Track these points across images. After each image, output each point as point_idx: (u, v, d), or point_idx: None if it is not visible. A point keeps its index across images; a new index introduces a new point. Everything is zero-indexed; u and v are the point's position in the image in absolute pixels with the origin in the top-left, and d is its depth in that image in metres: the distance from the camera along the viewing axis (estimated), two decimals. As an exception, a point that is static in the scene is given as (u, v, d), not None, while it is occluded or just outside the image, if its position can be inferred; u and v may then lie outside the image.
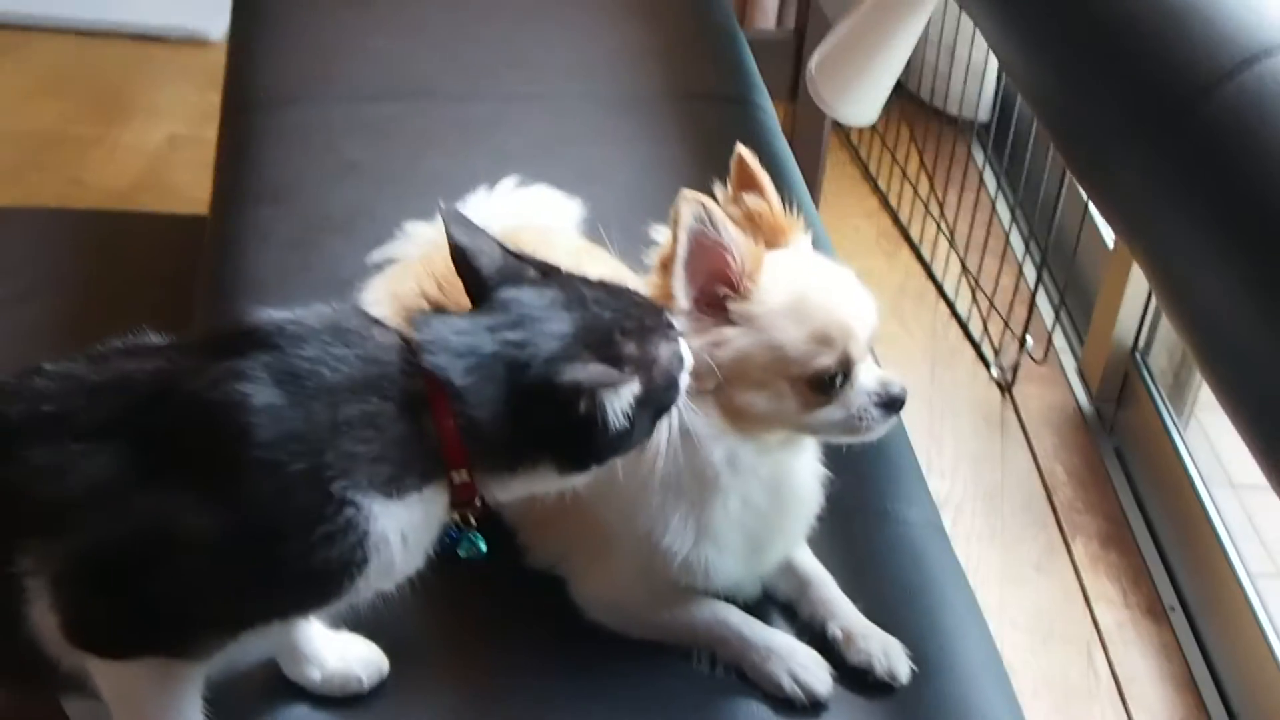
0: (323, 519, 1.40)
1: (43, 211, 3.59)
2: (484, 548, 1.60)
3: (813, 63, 2.28)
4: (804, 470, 1.79)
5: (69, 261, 3.32)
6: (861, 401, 1.66)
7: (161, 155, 3.88)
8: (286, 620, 1.56)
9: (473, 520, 1.55)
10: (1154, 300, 3.05)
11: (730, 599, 1.78)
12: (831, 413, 1.66)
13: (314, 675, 1.69)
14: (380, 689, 1.70)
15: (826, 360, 1.63)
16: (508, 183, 2.30)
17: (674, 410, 1.58)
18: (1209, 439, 3.04)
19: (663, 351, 1.53)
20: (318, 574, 1.43)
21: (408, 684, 1.71)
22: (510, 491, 1.55)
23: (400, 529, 1.46)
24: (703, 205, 1.60)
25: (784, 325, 1.63)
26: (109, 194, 3.73)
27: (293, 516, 1.40)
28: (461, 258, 1.54)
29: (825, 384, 1.64)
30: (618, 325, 1.51)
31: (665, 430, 1.59)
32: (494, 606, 1.80)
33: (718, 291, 1.63)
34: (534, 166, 2.37)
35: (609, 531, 1.74)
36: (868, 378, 1.67)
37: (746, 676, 1.73)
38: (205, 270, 2.42)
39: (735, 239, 1.62)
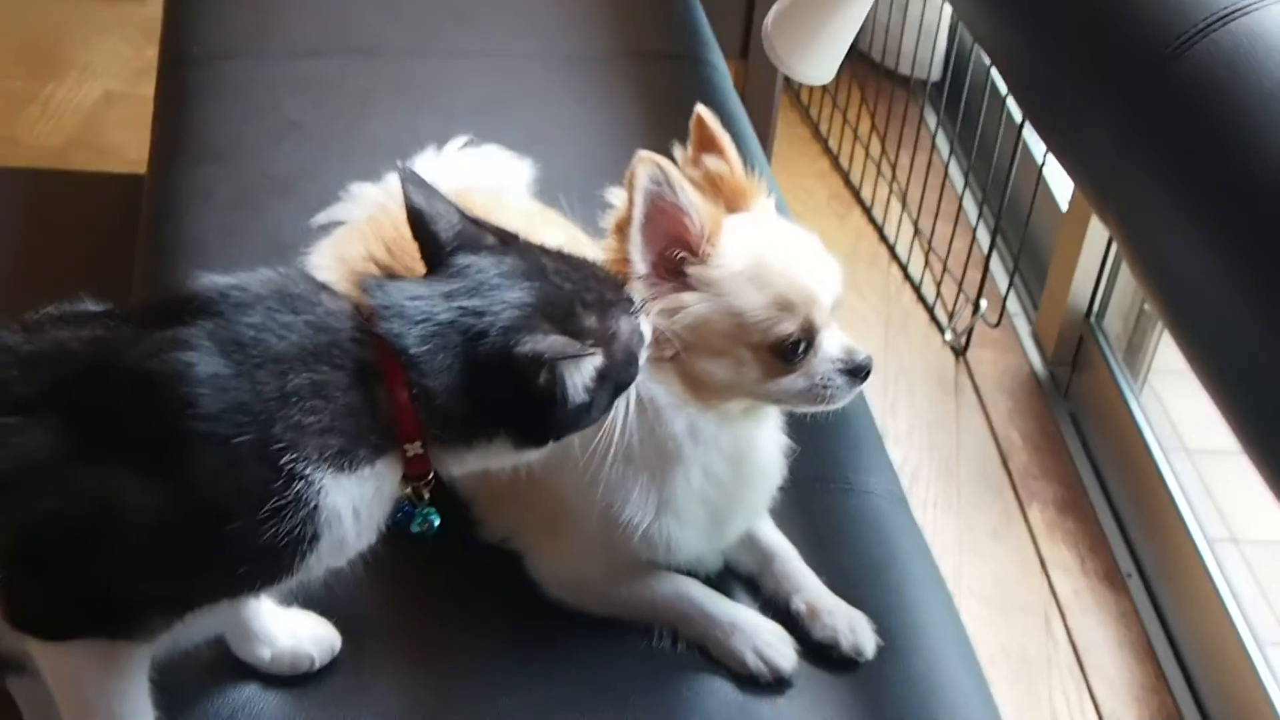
0: (271, 494, 1.34)
1: (-32, 169, 3.51)
2: (437, 522, 1.53)
3: (768, 20, 2.21)
4: (766, 441, 1.74)
5: (1, 222, 3.24)
6: (825, 369, 1.61)
7: (97, 113, 3.80)
8: (235, 599, 1.50)
9: (426, 495, 1.49)
10: (1109, 264, 3.03)
11: (692, 573, 1.73)
12: (795, 381, 1.61)
13: (264, 654, 1.64)
14: (332, 667, 1.65)
15: (788, 327, 1.58)
16: (456, 143, 2.24)
17: (632, 387, 1.52)
18: (1163, 405, 3.02)
19: (623, 326, 1.48)
20: (266, 551, 1.37)
21: (360, 662, 1.66)
22: (465, 466, 1.49)
23: (352, 504, 1.40)
24: (659, 166, 1.55)
25: (744, 291, 1.57)
26: (43, 152, 3.66)
27: (239, 492, 1.34)
28: (418, 221, 1.48)
29: (788, 351, 1.59)
30: (578, 297, 1.46)
31: (623, 407, 1.53)
32: (449, 582, 1.75)
33: (676, 256, 1.58)
34: (482, 126, 2.31)
35: (567, 505, 1.69)
36: (832, 345, 1.62)
37: (710, 653, 1.69)
38: (144, 232, 2.35)
39: (693, 201, 1.57)
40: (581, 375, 1.41)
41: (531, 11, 2.84)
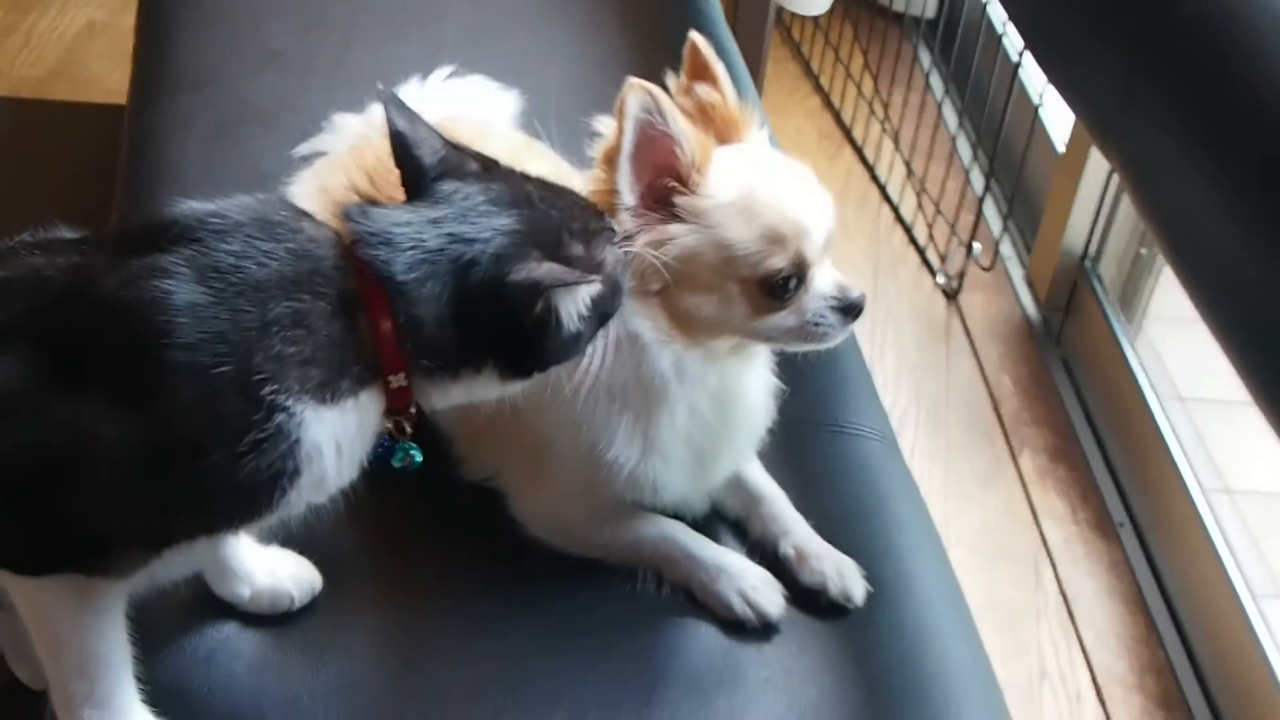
0: (251, 426, 1.29)
1: (-48, 99, 3.46)
2: (419, 458, 1.49)
3: (765, -51, 2.16)
4: (755, 381, 1.70)
5: (-21, 151, 3.20)
6: (817, 306, 1.57)
7: (78, 43, 3.76)
8: (213, 536, 1.46)
9: (408, 429, 1.45)
10: (1104, 208, 2.99)
11: (678, 516, 1.70)
12: (785, 318, 1.57)
13: (243, 592, 1.61)
14: (310, 607, 1.62)
15: (778, 261, 1.53)
16: (440, 73, 2.20)
17: (614, 319, 1.48)
18: (1158, 352, 2.98)
19: (609, 255, 1.44)
20: (246, 486, 1.32)
21: (338, 602, 1.63)
22: (449, 398, 1.44)
23: (334, 437, 1.36)
24: (650, 94, 1.49)
25: (734, 223, 1.52)
26: (24, 82, 3.61)
27: (218, 424, 1.29)
28: (401, 145, 1.43)
29: (778, 287, 1.54)
30: (565, 225, 1.42)
31: (602, 340, 1.50)
32: (429, 522, 1.72)
33: (665, 186, 1.53)
34: (467, 56, 2.27)
35: (551, 444, 1.64)
36: (824, 281, 1.57)
37: (695, 597, 1.65)
38: (124, 161, 2.31)
39: (684, 130, 1.52)
40: (576, 304, 1.37)
41: (518, -60, 2.78)
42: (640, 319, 1.55)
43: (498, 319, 1.36)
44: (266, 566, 1.62)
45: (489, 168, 1.46)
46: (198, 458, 1.30)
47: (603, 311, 1.44)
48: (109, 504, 1.33)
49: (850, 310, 1.58)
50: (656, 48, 2.51)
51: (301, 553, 1.64)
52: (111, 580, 1.41)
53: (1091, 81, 1.73)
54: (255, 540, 1.61)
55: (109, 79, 3.58)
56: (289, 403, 1.31)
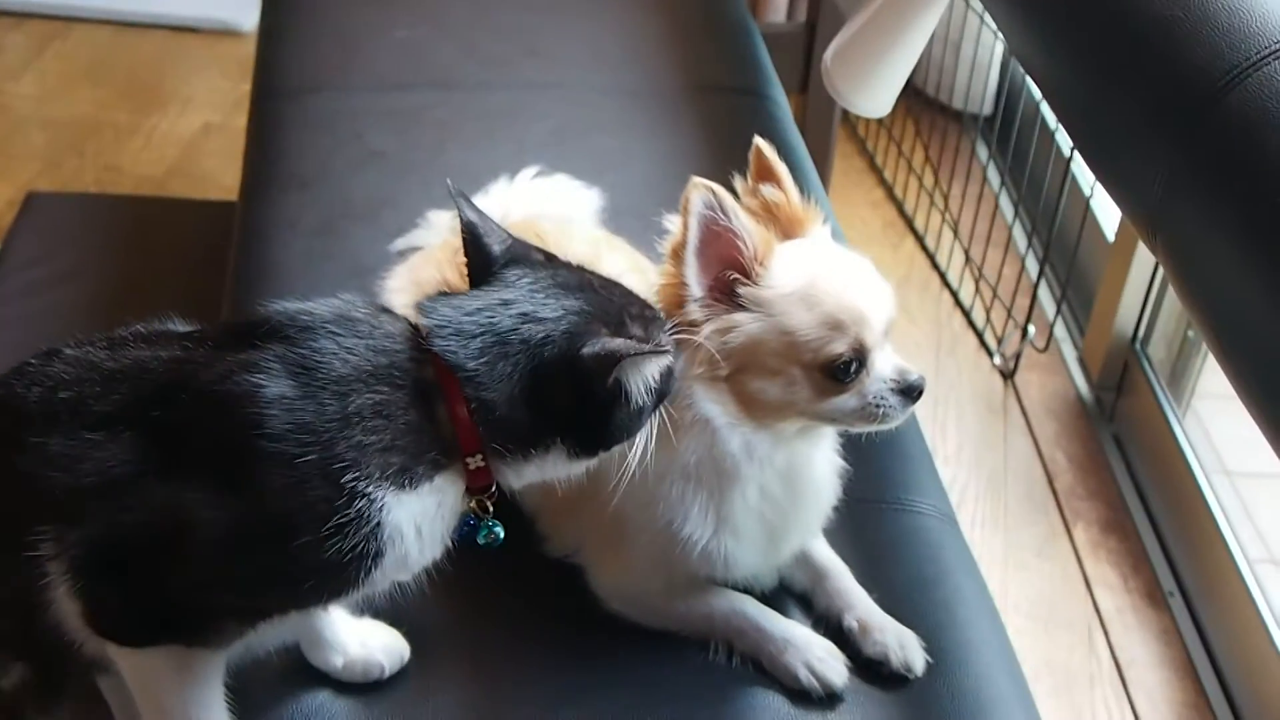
0: (335, 511, 1.31)
1: (81, 196, 3.52)
2: (501, 534, 1.49)
3: (828, 54, 2.16)
4: (821, 461, 1.69)
5: (105, 245, 3.24)
6: (878, 389, 1.56)
7: (195, 143, 3.80)
8: (303, 611, 1.47)
9: (490, 507, 1.45)
10: (1154, 293, 2.96)
11: (747, 590, 1.68)
12: (847, 400, 1.56)
13: (336, 661, 1.62)
14: (399, 676, 1.62)
15: (839, 346, 1.53)
16: (528, 172, 2.21)
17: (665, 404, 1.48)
18: (1205, 428, 2.94)
19: (665, 339, 1.45)
20: (332, 566, 1.33)
21: (425, 671, 1.63)
22: (523, 477, 1.45)
23: (414, 520, 1.37)
24: (712, 191, 1.51)
25: (795, 311, 1.53)
26: (144, 180, 3.66)
27: (305, 509, 1.31)
28: (472, 234, 1.46)
29: (839, 371, 1.54)
30: (625, 309, 1.43)
31: (656, 420, 1.49)
32: (513, 595, 1.72)
33: (729, 278, 1.53)
34: (551, 156, 2.29)
35: (629, 522, 1.64)
36: (884, 365, 1.57)
37: (763, 668, 1.64)
38: (234, 255, 2.33)
39: (746, 225, 1.52)
40: (646, 377, 1.38)
41: (599, 47, 2.80)
42: (710, 403, 1.55)
43: (569, 393, 1.37)
44: (359, 637, 1.62)
45: (550, 258, 1.48)
46: (286, 539, 1.31)
47: (661, 390, 1.44)
48: (206, 581, 1.35)
49: (910, 392, 1.58)
50: (731, 149, 2.50)
51: (392, 624, 1.64)
52: (210, 650, 1.42)
53: (1136, 174, 1.71)
54: (347, 612, 1.61)
55: (223, 177, 3.63)
56: (370, 489, 1.32)
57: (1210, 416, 2.96)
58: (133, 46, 4.16)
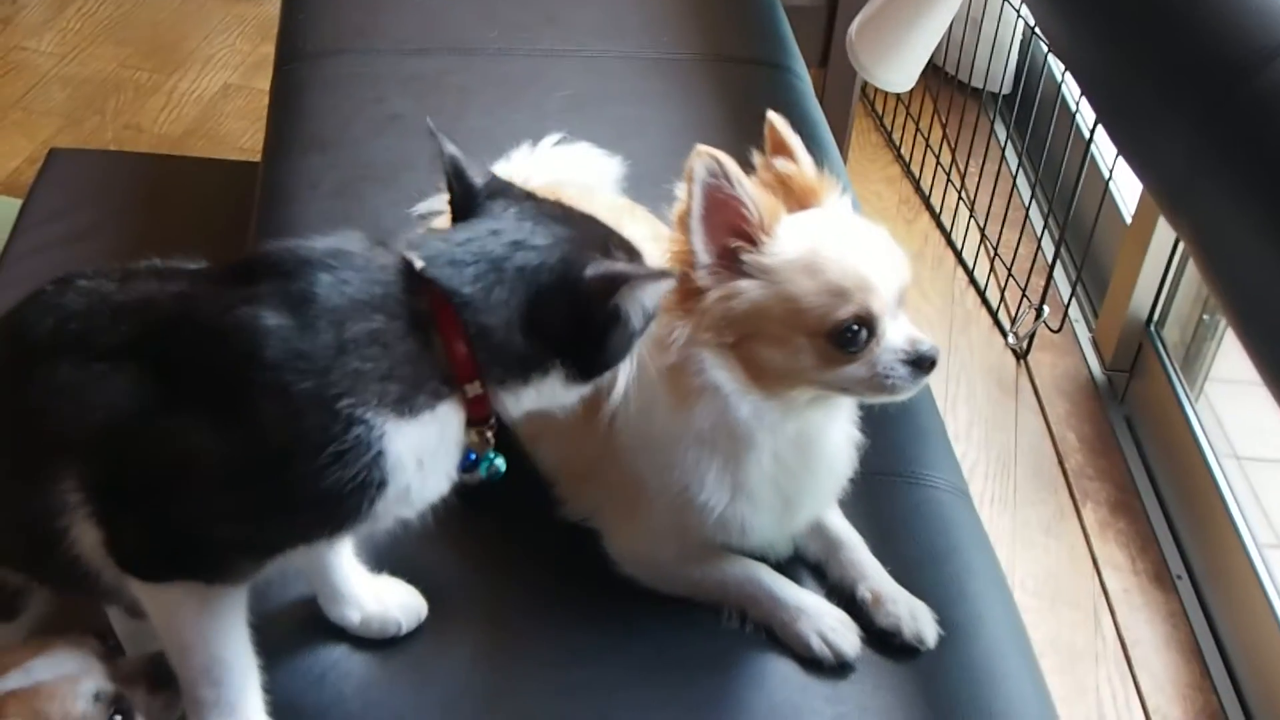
0: (331, 438, 1.31)
1: (102, 154, 3.52)
2: (503, 467, 1.49)
3: (853, 28, 2.16)
4: (837, 432, 1.68)
5: (125, 202, 3.23)
6: (888, 359, 1.53)
7: (215, 103, 3.81)
8: (311, 544, 1.46)
9: (490, 439, 1.45)
10: (1170, 276, 2.95)
11: (762, 558, 1.68)
12: (856, 370, 1.53)
13: (353, 617, 1.62)
14: (415, 633, 1.63)
15: (842, 314, 1.50)
16: (550, 139, 2.21)
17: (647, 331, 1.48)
18: (1216, 413, 2.93)
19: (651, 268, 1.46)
20: (332, 496, 1.33)
21: (442, 629, 1.63)
22: (522, 404, 1.44)
23: (415, 450, 1.37)
24: (716, 159, 1.50)
25: (798, 278, 1.51)
26: (163, 139, 3.67)
27: (301, 437, 1.32)
28: (455, 168, 1.47)
29: (844, 339, 1.51)
30: (608, 238, 1.45)
31: (639, 351, 1.49)
32: (529, 557, 1.72)
33: (733, 245, 1.53)
34: (571, 123, 2.28)
35: (646, 487, 1.64)
36: (895, 335, 1.54)
37: (775, 636, 1.64)
38: (255, 215, 2.34)
39: (750, 192, 1.52)
40: (645, 300, 1.40)
41: (620, 16, 2.79)
42: (718, 370, 1.54)
43: (566, 317, 1.38)
44: (376, 594, 1.63)
45: (529, 194, 1.49)
46: (285, 468, 1.32)
47: (649, 316, 1.45)
48: (211, 514, 1.35)
49: (920, 363, 1.55)
50: (753, 120, 2.50)
51: (408, 581, 1.64)
52: (227, 586, 1.43)
53: (1161, 153, 1.70)
54: (365, 568, 1.62)
55: (242, 137, 3.65)
56: (366, 415, 1.32)
57: (1221, 401, 2.95)
58: (154, 6, 4.17)
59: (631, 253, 1.45)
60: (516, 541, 1.71)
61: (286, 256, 1.38)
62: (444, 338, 1.36)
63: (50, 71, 3.88)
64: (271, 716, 1.47)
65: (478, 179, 1.46)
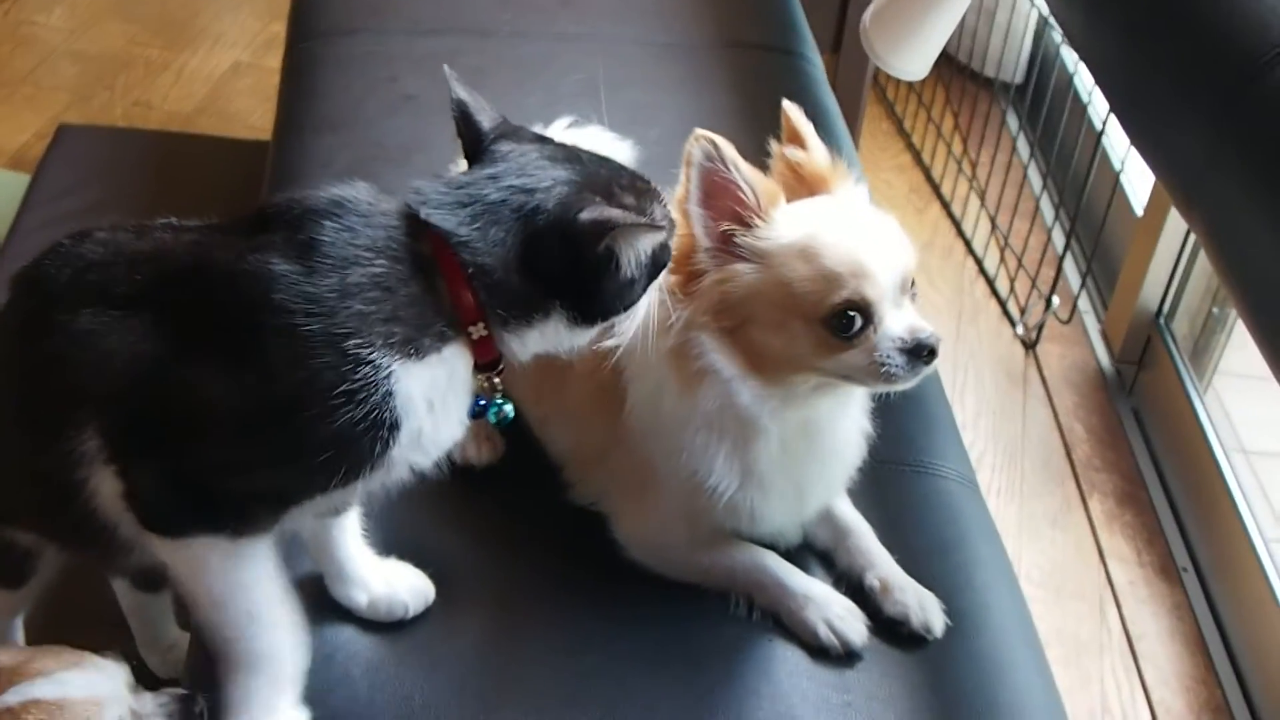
0: (341, 379, 1.33)
1: (112, 130, 3.52)
2: (511, 412, 1.50)
3: (867, 15, 2.15)
4: (846, 420, 1.68)
5: (134, 179, 3.24)
6: (886, 347, 1.51)
7: (224, 81, 3.80)
8: (329, 493, 1.45)
9: (498, 385, 1.47)
10: (1180, 269, 2.95)
11: (772, 545, 1.68)
12: (853, 357, 1.51)
13: (360, 599, 1.63)
14: (423, 616, 1.63)
15: (835, 300, 1.49)
16: (561, 122, 2.19)
17: (660, 279, 1.49)
18: (1224, 406, 2.93)
19: (658, 211, 1.45)
20: (345, 438, 1.35)
21: (451, 614, 1.64)
22: (528, 346, 1.46)
23: (424, 391, 1.38)
24: (713, 142, 1.51)
25: (793, 262, 1.51)
26: (172, 116, 3.67)
27: (312, 378, 1.33)
28: (464, 111, 1.49)
29: (839, 325, 1.50)
30: (615, 180, 1.44)
31: (653, 298, 1.49)
32: (538, 541, 1.72)
33: (726, 229, 1.53)
34: (583, 107, 2.27)
35: (655, 469, 1.64)
36: (895, 323, 1.52)
37: (783, 623, 1.64)
38: (266, 194, 2.33)
39: (745, 175, 1.52)
40: (638, 249, 1.40)
41: (634, 0, 2.78)
42: (717, 355, 1.54)
43: (561, 259, 1.39)
44: (383, 577, 1.63)
45: (541, 137, 1.50)
46: (298, 410, 1.33)
47: (656, 262, 1.45)
48: (229, 459, 1.37)
49: (920, 352, 1.52)
50: (763, 106, 2.49)
51: (417, 565, 1.64)
52: (250, 538, 1.43)
53: (1176, 146, 1.70)
54: (373, 551, 1.63)
55: (251, 115, 3.64)
56: (375, 356, 1.34)
57: (1229, 395, 2.95)
58: (166, -18, 4.16)
59: (642, 195, 1.44)
60: (524, 526, 1.71)
61: (294, 206, 1.41)
62: (447, 281, 1.39)
63: (60, 46, 3.88)
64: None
65: (486, 122, 1.48)
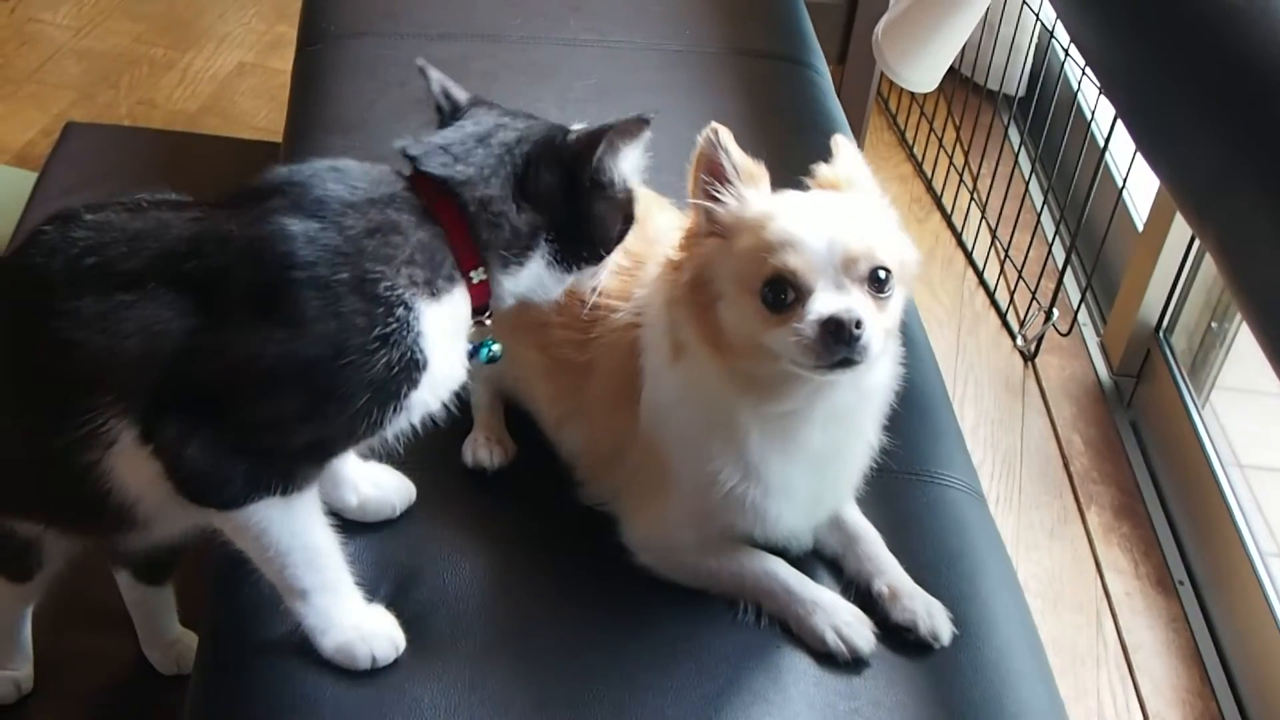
0: (377, 320, 1.38)
1: (118, 128, 3.52)
2: (500, 351, 1.59)
3: (879, 27, 2.17)
4: (857, 428, 1.67)
5: (140, 178, 3.22)
6: (805, 326, 1.45)
7: (229, 82, 3.80)
8: (361, 440, 1.50)
9: (488, 325, 1.55)
10: (1180, 283, 2.95)
11: (783, 551, 1.68)
12: (784, 334, 1.47)
13: (350, 500, 1.69)
14: (433, 618, 1.62)
15: (765, 270, 1.48)
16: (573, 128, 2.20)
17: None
18: (1221, 421, 2.94)
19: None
20: (382, 380, 1.40)
21: (460, 614, 1.64)
22: (520, 284, 1.53)
23: (443, 332, 1.45)
24: (715, 130, 1.57)
25: (743, 235, 1.53)
26: (177, 116, 3.67)
27: (348, 325, 1.37)
28: (443, 88, 1.61)
29: (768, 297, 1.48)
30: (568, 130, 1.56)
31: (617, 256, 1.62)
32: (547, 541, 1.73)
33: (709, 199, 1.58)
34: (593, 112, 2.24)
35: (666, 465, 1.64)
36: (823, 302, 1.46)
37: (791, 630, 1.64)
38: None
39: (734, 156, 1.57)
40: (625, 158, 1.52)
41: (643, 7, 2.79)
42: (688, 329, 1.57)
43: (559, 179, 1.49)
44: (372, 479, 1.69)
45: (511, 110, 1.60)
46: (338, 358, 1.37)
47: (625, 215, 1.57)
48: (271, 419, 1.40)
49: (839, 334, 1.44)
50: (772, 114, 2.51)
51: (425, 567, 1.66)
52: (298, 493, 1.47)
53: (1190, 161, 1.70)
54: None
55: (255, 116, 3.64)
56: (405, 297, 1.40)
57: (1227, 409, 2.96)
58: (172, -17, 4.16)
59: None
60: (535, 530, 1.72)
61: (291, 175, 1.46)
62: (446, 229, 1.45)
63: (65, 45, 3.88)
64: (293, 712, 1.51)
65: (462, 96, 1.59)
